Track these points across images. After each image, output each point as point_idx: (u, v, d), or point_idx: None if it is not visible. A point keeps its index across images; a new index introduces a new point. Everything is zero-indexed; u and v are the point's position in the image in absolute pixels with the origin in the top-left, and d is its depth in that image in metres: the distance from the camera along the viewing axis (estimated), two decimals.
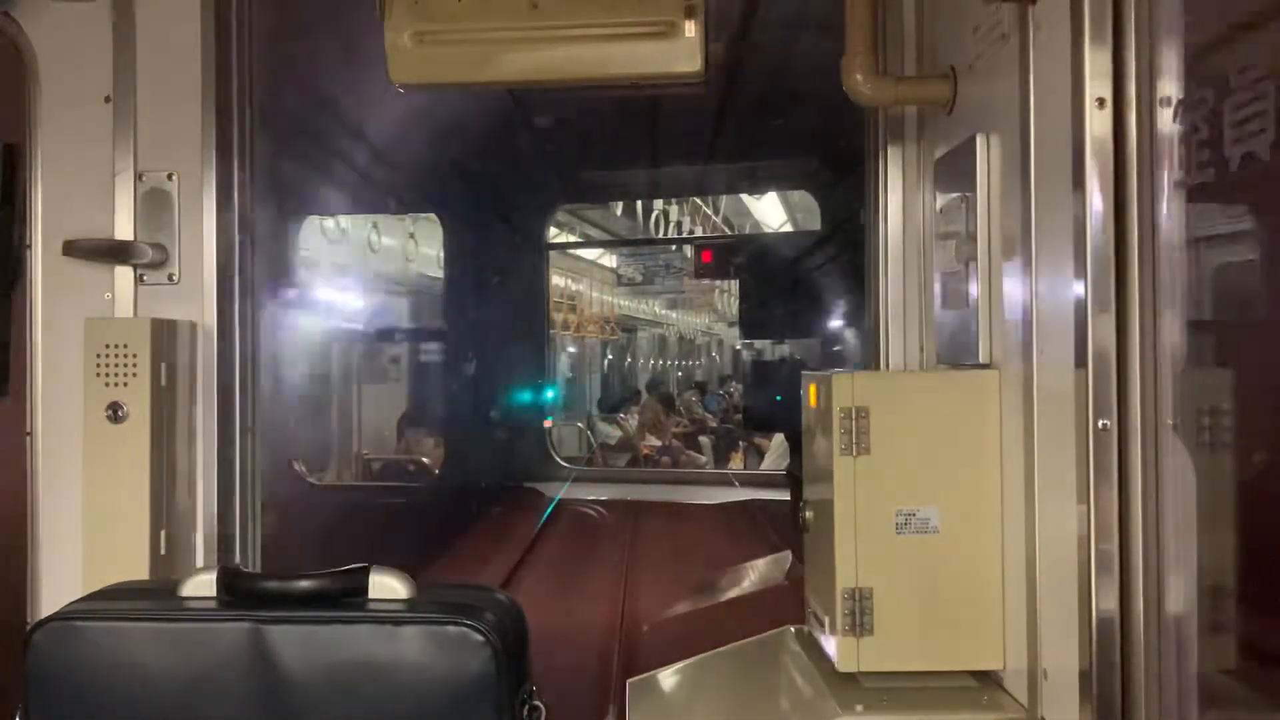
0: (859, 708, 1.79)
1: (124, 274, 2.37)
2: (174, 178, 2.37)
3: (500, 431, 7.15)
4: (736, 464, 10.90)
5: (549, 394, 7.64)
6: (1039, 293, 1.64)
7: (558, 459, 7.43)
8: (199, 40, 2.37)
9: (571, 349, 15.21)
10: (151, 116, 2.38)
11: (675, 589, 4.72)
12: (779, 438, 8.12)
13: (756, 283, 7.18)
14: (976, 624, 1.84)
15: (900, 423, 1.86)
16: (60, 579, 2.30)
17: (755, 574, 4.85)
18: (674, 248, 15.30)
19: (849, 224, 5.72)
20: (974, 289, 1.90)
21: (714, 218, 14.44)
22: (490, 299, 6.95)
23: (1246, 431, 1.37)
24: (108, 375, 2.25)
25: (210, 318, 2.38)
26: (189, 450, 2.37)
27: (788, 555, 4.73)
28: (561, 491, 6.70)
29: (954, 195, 2.02)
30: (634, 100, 4.88)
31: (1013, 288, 1.75)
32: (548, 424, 7.46)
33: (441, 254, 7.22)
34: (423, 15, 2.18)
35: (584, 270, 15.14)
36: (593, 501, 6.53)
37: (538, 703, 1.51)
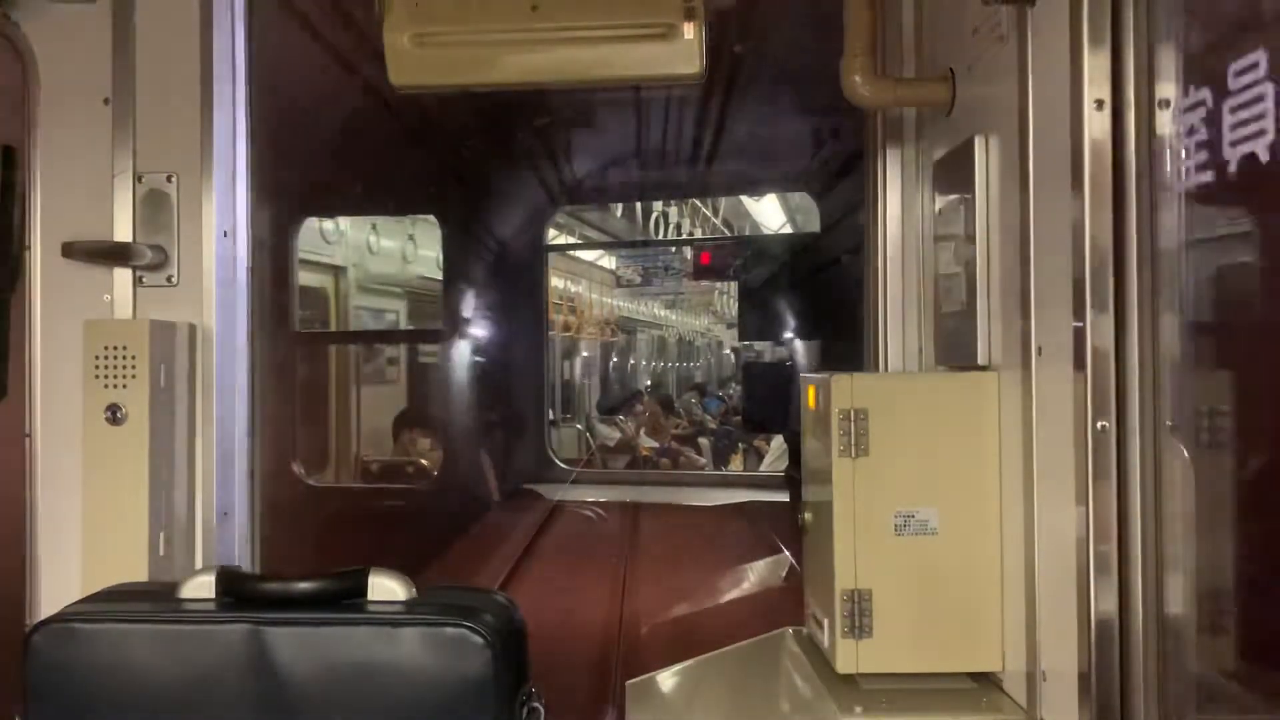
0: (858, 709, 1.79)
1: (123, 276, 2.36)
2: (173, 179, 2.37)
3: (499, 433, 7.14)
4: (736, 466, 10.91)
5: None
6: (1037, 294, 1.65)
7: (557, 460, 7.43)
8: (198, 41, 2.37)
9: (569, 350, 15.20)
10: (151, 118, 2.37)
11: (674, 590, 4.72)
12: (778, 439, 8.12)
13: (755, 284, 7.17)
14: (975, 625, 1.84)
15: (899, 424, 1.86)
16: (59, 581, 2.30)
17: (754, 575, 4.85)
18: (673, 249, 15.29)
19: (848, 226, 5.72)
20: (973, 290, 1.90)
21: (713, 219, 14.44)
22: (488, 300, 6.95)
23: (1245, 433, 1.37)
24: (107, 377, 2.25)
25: (209, 319, 2.38)
26: (188, 452, 2.37)
27: (787, 557, 4.73)
28: (560, 493, 6.69)
29: (953, 197, 2.02)
30: (634, 102, 4.89)
31: (1011, 289, 1.75)
32: None
33: (440, 256, 7.21)
34: (422, 17, 2.18)
35: (583, 272, 15.13)
36: (592, 503, 6.53)
37: (537, 704, 1.51)
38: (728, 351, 20.44)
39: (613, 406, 12.80)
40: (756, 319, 7.38)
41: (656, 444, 10.74)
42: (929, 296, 2.24)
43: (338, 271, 7.93)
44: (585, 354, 15.37)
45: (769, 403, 6.58)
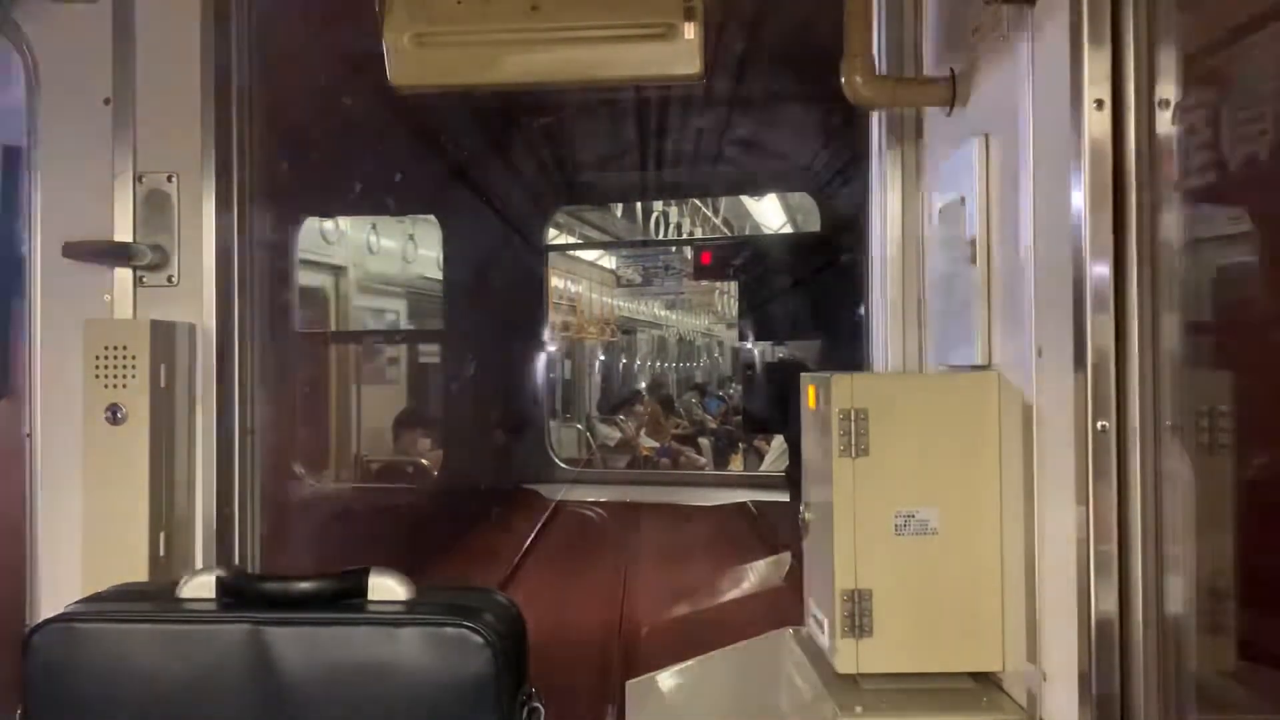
0: (858, 709, 1.79)
1: (123, 276, 2.37)
2: (173, 179, 2.37)
3: (499, 433, 7.14)
4: (736, 465, 10.90)
5: None
6: (1037, 294, 1.65)
7: (557, 460, 7.42)
8: (199, 41, 2.37)
9: (571, 350, 15.20)
10: (151, 118, 2.38)
11: (674, 590, 4.72)
12: (778, 439, 8.11)
13: (756, 284, 7.17)
14: (976, 625, 1.84)
15: (899, 424, 1.86)
16: (60, 580, 2.30)
17: (754, 575, 4.85)
18: (673, 249, 15.30)
19: (848, 226, 5.72)
20: (972, 290, 1.90)
21: (714, 219, 14.45)
22: (489, 300, 6.94)
23: (1245, 433, 1.37)
24: (107, 377, 2.25)
25: (209, 319, 2.38)
26: (188, 452, 2.37)
27: (787, 557, 4.73)
28: (561, 493, 6.69)
29: (953, 196, 2.02)
30: (634, 102, 4.89)
31: (1011, 289, 1.75)
32: None
33: (440, 256, 7.22)
34: (422, 17, 2.18)
35: (583, 271, 15.13)
36: (592, 503, 6.53)
37: (537, 704, 1.51)
38: (747, 346, 20.42)
39: (613, 406, 12.81)
40: (757, 319, 7.39)
41: (657, 444, 10.74)
42: (929, 296, 2.24)
43: (338, 271, 7.94)
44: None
45: (771, 402, 6.59)
